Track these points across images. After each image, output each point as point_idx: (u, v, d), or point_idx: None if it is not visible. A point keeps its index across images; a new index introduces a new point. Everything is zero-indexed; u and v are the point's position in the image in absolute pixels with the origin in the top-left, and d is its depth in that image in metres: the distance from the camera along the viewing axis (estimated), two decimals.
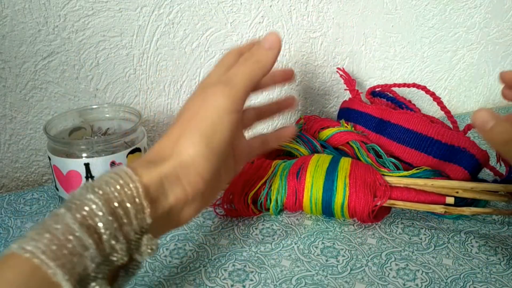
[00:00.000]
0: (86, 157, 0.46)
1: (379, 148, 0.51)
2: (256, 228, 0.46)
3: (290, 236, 0.45)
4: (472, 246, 0.43)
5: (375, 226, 0.46)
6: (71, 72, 0.54)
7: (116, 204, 0.26)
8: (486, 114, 0.32)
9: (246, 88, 0.33)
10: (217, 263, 0.41)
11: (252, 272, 0.40)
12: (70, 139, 0.50)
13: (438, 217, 0.48)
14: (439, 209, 0.45)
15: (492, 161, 0.50)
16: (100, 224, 0.25)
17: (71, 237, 0.24)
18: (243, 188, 0.47)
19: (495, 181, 0.47)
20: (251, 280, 0.39)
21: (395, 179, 0.46)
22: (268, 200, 0.47)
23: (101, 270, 0.26)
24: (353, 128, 0.56)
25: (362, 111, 0.57)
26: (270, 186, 0.47)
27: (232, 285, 0.39)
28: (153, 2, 0.53)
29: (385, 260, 0.41)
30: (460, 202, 0.46)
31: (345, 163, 0.47)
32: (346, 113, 0.59)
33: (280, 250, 0.43)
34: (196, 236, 0.45)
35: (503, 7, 0.73)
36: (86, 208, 0.25)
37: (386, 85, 0.58)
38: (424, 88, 0.53)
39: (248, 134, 0.39)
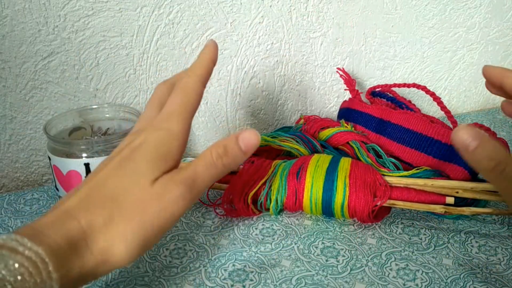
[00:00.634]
0: (86, 157, 0.46)
1: (379, 148, 0.51)
2: (256, 228, 0.46)
3: (290, 236, 0.45)
4: (472, 246, 0.43)
5: (375, 226, 0.46)
6: (71, 72, 0.54)
7: None
8: (467, 134, 0.26)
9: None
10: (217, 263, 0.41)
11: (252, 272, 0.40)
12: (70, 139, 0.50)
13: (438, 217, 0.48)
14: (439, 209, 0.45)
15: None
16: None
17: None
18: (243, 188, 0.47)
19: None
20: (251, 280, 0.39)
21: (395, 179, 0.46)
22: (268, 200, 0.47)
23: None
24: (353, 128, 0.56)
25: (362, 111, 0.57)
26: (270, 186, 0.47)
27: (232, 285, 0.39)
28: (153, 2, 0.53)
29: (385, 260, 0.41)
30: (460, 202, 0.46)
31: (345, 163, 0.47)
32: (346, 113, 0.59)
33: (280, 250, 0.43)
34: (196, 236, 0.45)
35: (503, 7, 0.73)
36: None
37: (386, 85, 0.58)
38: (424, 88, 0.53)
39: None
